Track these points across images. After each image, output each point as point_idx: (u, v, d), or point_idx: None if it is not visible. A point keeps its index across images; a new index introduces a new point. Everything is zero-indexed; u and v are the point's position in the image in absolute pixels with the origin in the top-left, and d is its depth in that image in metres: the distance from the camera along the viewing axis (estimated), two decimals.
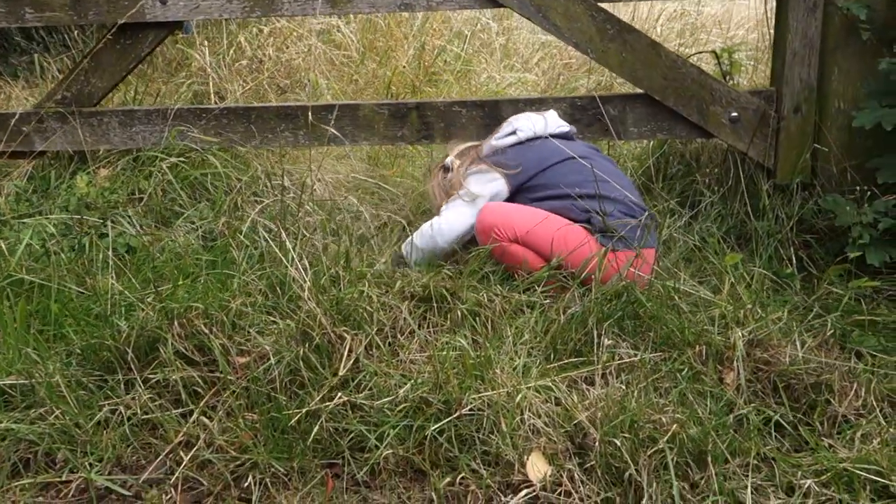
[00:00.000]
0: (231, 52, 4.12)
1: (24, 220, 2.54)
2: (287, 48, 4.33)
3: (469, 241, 2.42)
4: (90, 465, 1.72)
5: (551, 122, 2.47)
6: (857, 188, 2.36)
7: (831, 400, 1.82)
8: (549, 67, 4.90)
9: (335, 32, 4.49)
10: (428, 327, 2.07)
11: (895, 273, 2.25)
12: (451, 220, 2.38)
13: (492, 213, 2.28)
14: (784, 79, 2.51)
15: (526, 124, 2.45)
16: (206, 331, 1.90)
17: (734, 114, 2.55)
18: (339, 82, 4.16)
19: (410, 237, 2.44)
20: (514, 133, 2.44)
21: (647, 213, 2.30)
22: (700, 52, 3.35)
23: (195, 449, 1.74)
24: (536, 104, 2.65)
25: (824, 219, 2.46)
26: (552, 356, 1.95)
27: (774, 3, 2.60)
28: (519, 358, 1.91)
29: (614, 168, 2.42)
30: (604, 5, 2.56)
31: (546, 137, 2.42)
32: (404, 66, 4.21)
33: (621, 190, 2.30)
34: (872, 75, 2.41)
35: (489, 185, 2.39)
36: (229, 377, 1.85)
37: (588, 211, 2.25)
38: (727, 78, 2.80)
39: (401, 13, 4.60)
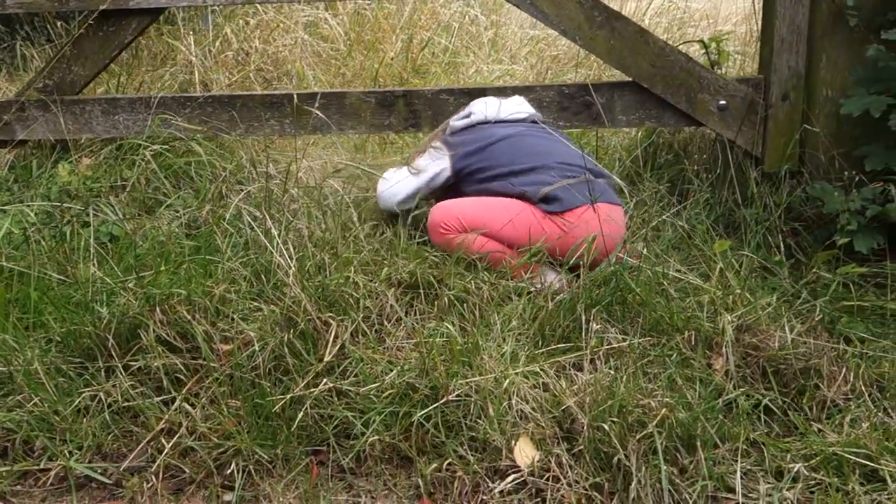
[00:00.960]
0: (217, 44, 4.08)
1: (4, 209, 2.50)
2: (274, 40, 4.29)
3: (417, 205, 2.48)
4: (69, 452, 1.69)
5: (507, 107, 2.48)
6: (845, 175, 2.35)
7: (820, 385, 1.81)
8: (537, 61, 4.89)
9: (322, 25, 4.46)
10: (415, 314, 2.05)
11: (883, 259, 2.24)
12: (393, 189, 2.45)
13: (437, 211, 2.29)
14: (772, 66, 2.50)
15: (479, 108, 2.48)
16: (189, 317, 1.87)
17: (722, 102, 2.54)
18: (326, 74, 4.13)
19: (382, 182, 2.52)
20: (468, 116, 2.48)
21: (588, 172, 2.30)
22: (688, 42, 3.34)
23: (177, 436, 1.71)
24: (524, 92, 2.63)
25: (812, 206, 2.45)
26: (540, 342, 1.93)
27: None
28: (507, 344, 1.89)
29: (560, 142, 2.40)
30: None
31: (495, 122, 2.44)
32: (392, 59, 4.19)
33: (569, 153, 2.32)
34: (860, 62, 2.40)
35: (433, 162, 2.44)
36: (212, 364, 1.82)
37: (524, 185, 2.27)
38: (715, 67, 2.78)
39: (388, 6, 4.58)
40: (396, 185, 2.45)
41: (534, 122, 2.49)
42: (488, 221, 2.22)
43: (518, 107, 2.50)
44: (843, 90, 2.44)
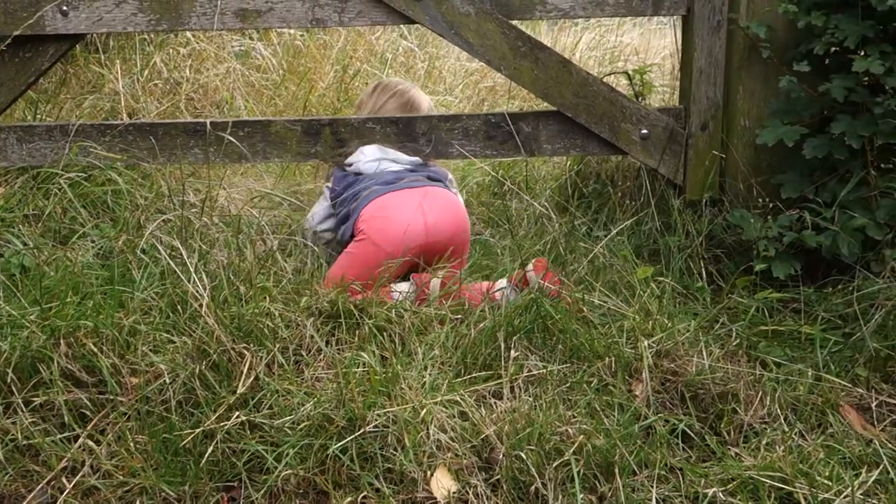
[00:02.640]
0: (146, 72, 4.01)
1: None
2: (206, 70, 4.24)
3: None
4: None
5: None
6: (762, 202, 2.40)
7: (737, 409, 1.83)
8: (472, 92, 4.94)
9: (255, 55, 4.43)
10: (337, 344, 2.01)
11: (800, 285, 2.29)
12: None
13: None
14: (691, 97, 2.56)
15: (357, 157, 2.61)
16: (96, 350, 1.79)
17: (644, 131, 2.58)
18: (258, 104, 4.09)
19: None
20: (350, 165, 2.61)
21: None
22: (613, 73, 3.40)
23: (80, 475, 1.64)
24: (451, 121, 2.63)
25: (733, 234, 2.49)
26: (462, 371, 1.91)
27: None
28: (428, 373, 1.86)
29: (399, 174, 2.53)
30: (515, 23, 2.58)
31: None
32: (324, 89, 4.18)
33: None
34: (775, 94, 2.47)
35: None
36: (119, 398, 1.75)
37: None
38: (639, 98, 2.84)
39: (322, 36, 4.58)
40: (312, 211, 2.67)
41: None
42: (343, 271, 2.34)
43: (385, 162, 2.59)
44: (760, 120, 2.51)
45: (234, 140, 2.59)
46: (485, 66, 4.72)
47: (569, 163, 3.09)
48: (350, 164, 2.58)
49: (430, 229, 2.35)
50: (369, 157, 2.56)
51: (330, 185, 2.62)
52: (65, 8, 2.54)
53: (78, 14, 2.56)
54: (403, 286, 2.30)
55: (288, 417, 1.72)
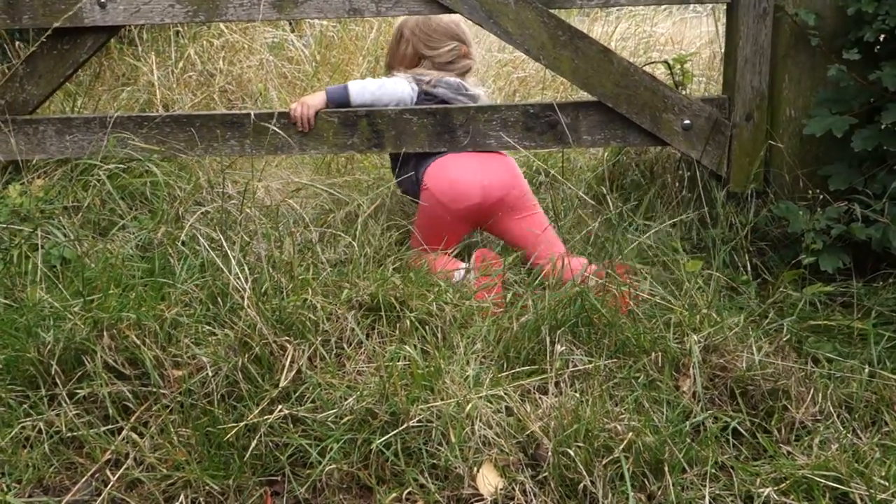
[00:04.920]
0: (180, 64, 4.02)
1: None
2: (239, 62, 4.24)
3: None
4: (7, 486, 1.60)
5: None
6: (810, 195, 2.34)
7: (788, 406, 1.78)
8: (505, 83, 4.89)
9: (288, 47, 4.42)
10: (377, 337, 1.99)
11: (849, 279, 2.23)
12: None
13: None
14: (736, 86, 2.50)
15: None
16: (139, 342, 1.79)
17: (687, 121, 2.52)
18: (291, 95, 4.08)
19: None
20: None
21: None
22: (652, 62, 3.35)
23: (124, 468, 1.63)
24: (488, 112, 2.60)
25: (778, 226, 2.44)
26: (505, 365, 1.88)
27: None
28: (470, 367, 1.84)
29: None
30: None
31: None
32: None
33: None
34: (823, 82, 2.41)
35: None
36: (162, 391, 1.74)
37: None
38: (679, 88, 2.79)
39: (354, 28, 4.56)
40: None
41: None
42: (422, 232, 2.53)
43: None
44: (807, 110, 2.44)
45: (278, 130, 2.58)
46: (517, 56, 4.73)
47: (606, 154, 3.05)
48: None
49: (486, 190, 2.47)
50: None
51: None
52: (103, 0, 2.55)
53: (116, 6, 2.56)
54: (459, 275, 2.39)
55: (331, 411, 1.70)
